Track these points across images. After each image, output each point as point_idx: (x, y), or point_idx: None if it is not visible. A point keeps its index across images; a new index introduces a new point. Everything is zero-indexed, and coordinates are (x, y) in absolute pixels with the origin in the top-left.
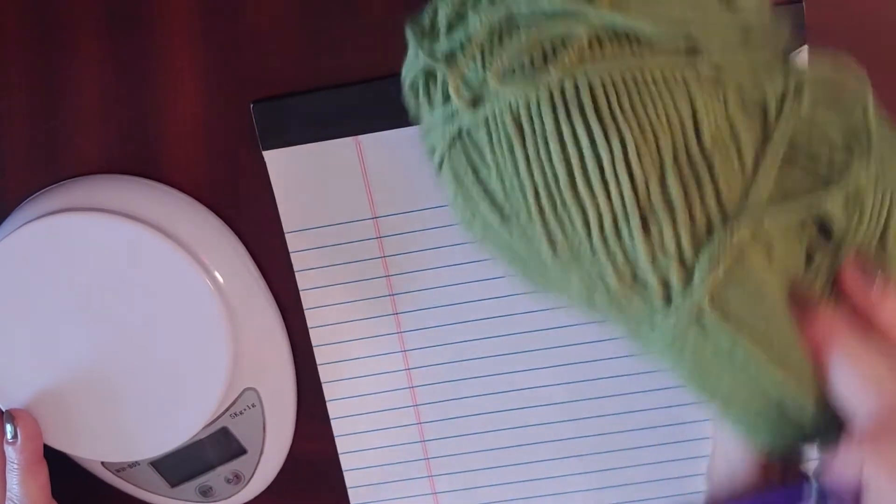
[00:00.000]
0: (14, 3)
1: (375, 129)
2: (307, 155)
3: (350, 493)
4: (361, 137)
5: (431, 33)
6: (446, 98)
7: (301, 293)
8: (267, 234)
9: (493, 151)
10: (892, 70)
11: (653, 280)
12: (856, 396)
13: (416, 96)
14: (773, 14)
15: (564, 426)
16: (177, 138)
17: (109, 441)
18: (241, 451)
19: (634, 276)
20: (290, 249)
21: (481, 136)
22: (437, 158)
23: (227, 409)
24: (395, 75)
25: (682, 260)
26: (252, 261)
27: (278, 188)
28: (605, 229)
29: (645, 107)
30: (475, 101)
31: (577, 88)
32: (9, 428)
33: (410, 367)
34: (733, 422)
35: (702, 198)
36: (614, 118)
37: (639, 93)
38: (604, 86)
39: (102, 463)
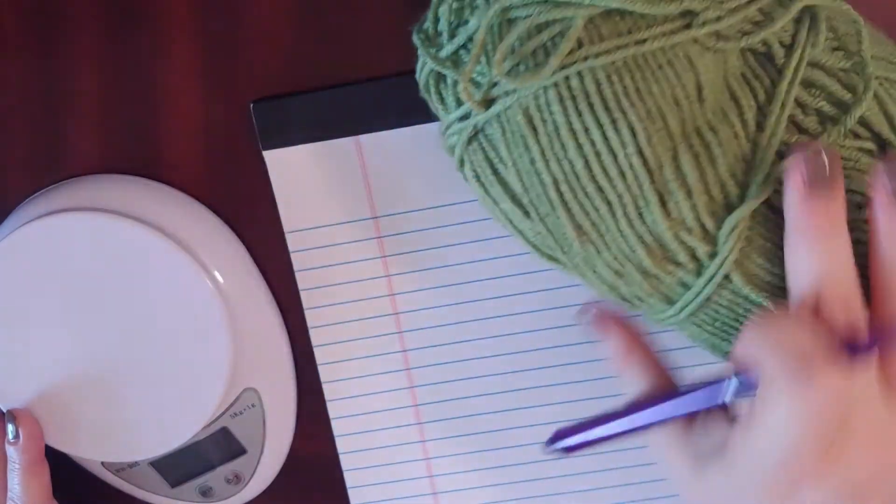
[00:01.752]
0: (14, 3)
1: (375, 129)
2: (307, 155)
3: (350, 493)
4: (361, 137)
5: (436, 39)
6: (458, 100)
7: (301, 293)
8: (267, 234)
9: (508, 148)
10: None
11: (681, 254)
12: (792, 275)
13: (431, 99)
14: None
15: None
16: (176, 138)
17: (109, 441)
18: (241, 451)
19: (664, 252)
20: (291, 249)
21: (496, 134)
22: (456, 158)
23: (227, 409)
24: (396, 75)
25: (704, 233)
26: (252, 260)
27: (278, 188)
28: (629, 212)
29: (650, 88)
30: (486, 101)
31: (581, 79)
32: (10, 428)
33: (410, 367)
34: None
35: (715, 169)
36: (620, 106)
37: (642, 76)
38: (607, 74)
39: (102, 463)
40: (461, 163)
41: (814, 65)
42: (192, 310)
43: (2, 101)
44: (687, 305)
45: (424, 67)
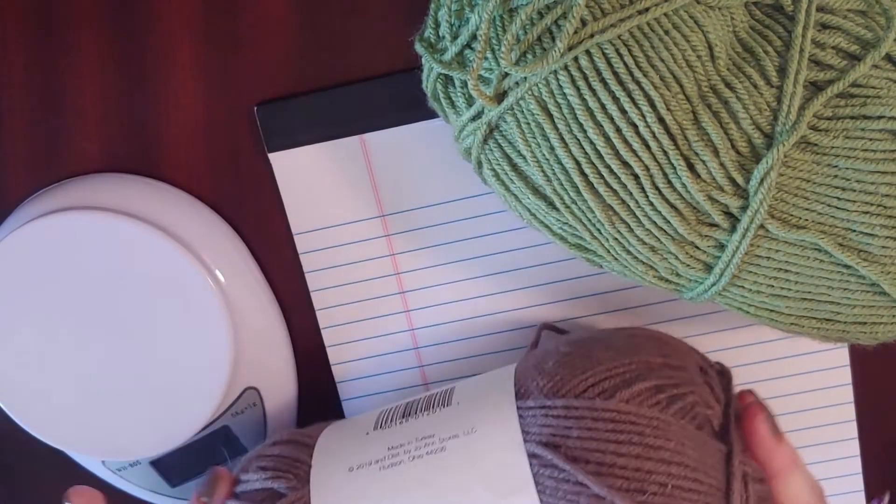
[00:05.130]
0: (15, 3)
1: (379, 126)
2: (313, 155)
3: None
4: (366, 136)
5: (438, 44)
6: (469, 100)
7: (311, 294)
8: (270, 234)
9: (526, 140)
10: None
11: (715, 214)
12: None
13: (441, 106)
14: None
15: None
16: (178, 138)
17: (109, 440)
18: (242, 451)
19: (698, 216)
20: (299, 251)
21: (511, 128)
22: (473, 161)
23: (227, 409)
24: (398, 72)
25: (736, 189)
26: (253, 259)
27: (285, 190)
28: (657, 182)
29: (660, 55)
30: (498, 96)
31: (590, 57)
32: None
33: (423, 364)
34: (804, 330)
35: (737, 124)
36: (634, 77)
37: (650, 44)
38: (615, 47)
39: (103, 462)
40: (479, 164)
41: (823, 9)
42: (193, 309)
43: (2, 101)
44: (726, 267)
45: (430, 74)
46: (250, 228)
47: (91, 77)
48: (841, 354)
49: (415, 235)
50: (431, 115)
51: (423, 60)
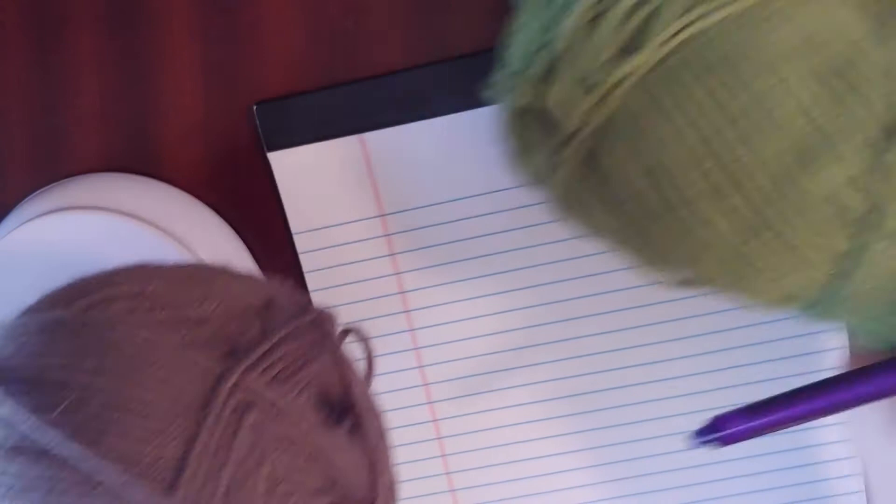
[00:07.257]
0: (14, 3)
1: (379, 126)
2: (312, 155)
3: None
4: (366, 135)
5: (517, 77)
6: (556, 127)
7: (311, 294)
8: (269, 233)
9: (636, 150)
10: None
11: (857, 205)
12: None
13: (521, 142)
14: None
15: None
16: (177, 137)
17: None
18: None
19: (838, 209)
20: (299, 250)
21: (616, 140)
22: (559, 193)
23: None
24: (398, 71)
25: (869, 185)
26: (252, 259)
27: (284, 189)
28: (793, 172)
29: (779, 36)
30: (589, 111)
31: (709, 40)
32: None
33: (423, 364)
34: None
35: (869, 109)
36: (767, 58)
37: (770, 25)
38: (724, 35)
39: None
40: (564, 197)
41: None
42: None
43: (2, 100)
44: (872, 265)
45: (509, 113)
46: (249, 228)
47: (90, 76)
48: (842, 355)
49: (415, 235)
50: (431, 113)
51: (503, 99)
